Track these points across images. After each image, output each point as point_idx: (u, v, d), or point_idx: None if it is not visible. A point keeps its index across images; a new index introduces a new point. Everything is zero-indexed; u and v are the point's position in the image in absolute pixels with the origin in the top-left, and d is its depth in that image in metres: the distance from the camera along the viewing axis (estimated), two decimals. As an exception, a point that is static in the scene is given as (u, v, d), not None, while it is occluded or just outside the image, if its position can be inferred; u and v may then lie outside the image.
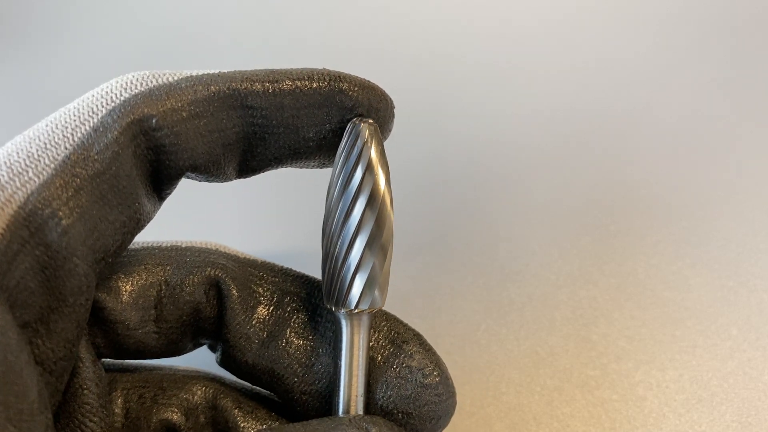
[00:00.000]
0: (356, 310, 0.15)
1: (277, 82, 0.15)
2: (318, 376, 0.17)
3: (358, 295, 0.15)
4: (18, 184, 0.13)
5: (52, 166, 0.13)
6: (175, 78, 0.15)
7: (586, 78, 0.36)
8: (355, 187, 0.15)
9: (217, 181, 0.16)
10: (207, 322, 0.17)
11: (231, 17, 0.41)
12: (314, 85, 0.15)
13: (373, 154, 0.15)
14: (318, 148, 0.16)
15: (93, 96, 0.14)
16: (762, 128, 0.32)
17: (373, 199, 0.15)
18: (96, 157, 0.14)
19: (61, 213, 0.13)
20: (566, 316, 0.25)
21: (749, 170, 0.30)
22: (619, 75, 0.36)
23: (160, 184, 0.15)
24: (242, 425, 0.17)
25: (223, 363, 0.17)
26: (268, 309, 0.17)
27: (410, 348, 0.16)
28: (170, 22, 0.41)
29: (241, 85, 0.15)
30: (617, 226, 0.29)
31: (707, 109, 0.34)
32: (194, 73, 0.15)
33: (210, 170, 0.15)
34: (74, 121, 0.14)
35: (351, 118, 0.16)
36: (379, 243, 0.15)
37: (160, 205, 0.16)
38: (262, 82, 0.15)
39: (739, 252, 0.27)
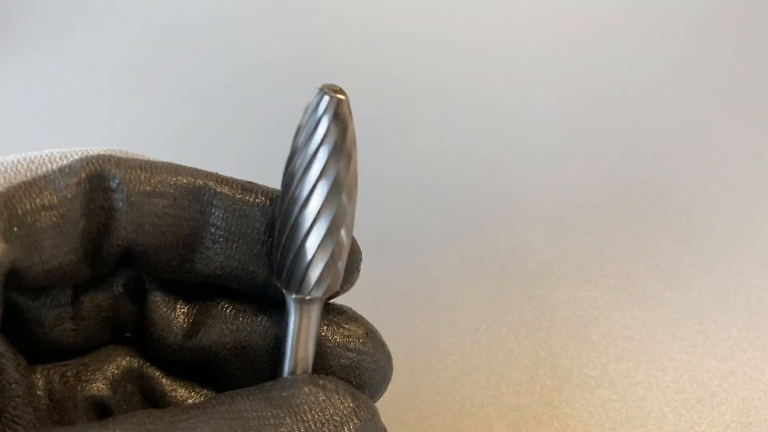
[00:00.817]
0: (310, 297, 0.15)
1: (249, 192, 0.15)
2: (250, 356, 0.16)
3: (316, 281, 0.14)
4: None
5: (5, 186, 0.13)
6: (155, 159, 0.15)
7: (587, 79, 0.36)
8: (319, 170, 0.13)
9: (154, 274, 0.16)
10: (128, 316, 0.16)
11: (229, 17, 0.41)
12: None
13: (347, 132, 0.13)
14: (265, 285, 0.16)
15: (71, 149, 0.14)
16: (763, 129, 0.32)
17: (338, 184, 0.13)
18: (51, 191, 0.13)
19: None
20: (566, 317, 0.25)
21: (750, 171, 0.30)
22: (619, 77, 0.36)
23: (97, 259, 0.15)
24: (171, 393, 0.17)
25: (147, 352, 0.17)
26: (191, 298, 0.16)
27: (346, 317, 0.16)
28: (170, 22, 0.41)
29: (213, 184, 0.15)
30: (617, 226, 0.29)
31: (708, 109, 0.34)
32: (174, 164, 0.15)
33: (149, 256, 0.15)
34: (44, 159, 0.14)
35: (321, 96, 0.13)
36: (341, 227, 0.14)
37: (90, 274, 0.15)
38: (236, 187, 0.15)
39: (739, 252, 0.27)
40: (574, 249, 0.28)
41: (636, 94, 0.35)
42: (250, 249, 0.15)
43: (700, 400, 0.23)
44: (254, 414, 0.14)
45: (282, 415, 0.14)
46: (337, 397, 0.15)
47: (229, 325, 0.16)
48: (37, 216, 0.13)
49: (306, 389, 0.15)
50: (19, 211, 0.13)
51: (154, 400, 0.17)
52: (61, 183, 0.14)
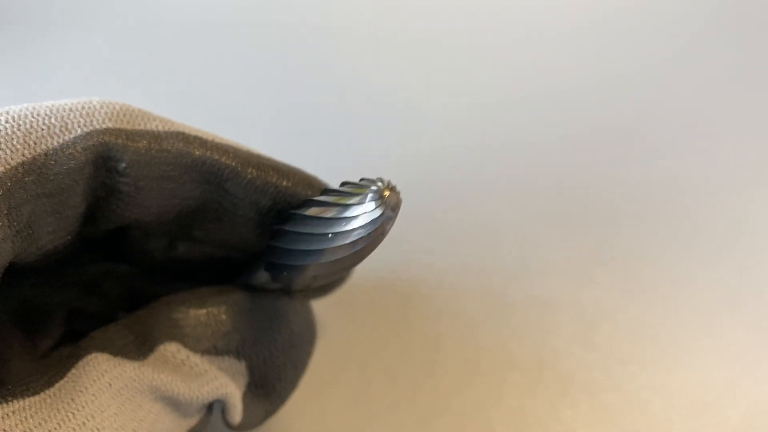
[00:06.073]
0: (291, 289, 0.15)
1: (265, 171, 0.14)
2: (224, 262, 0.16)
3: (301, 287, 0.15)
4: None
5: (1, 170, 0.12)
6: (166, 129, 0.13)
7: (588, 77, 0.36)
8: (353, 237, 0.13)
9: (154, 244, 0.15)
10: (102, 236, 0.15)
11: (227, 14, 0.41)
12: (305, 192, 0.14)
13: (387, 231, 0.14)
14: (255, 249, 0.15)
15: (71, 110, 0.13)
16: (766, 127, 0.32)
17: (355, 261, 0.14)
18: (52, 177, 0.12)
19: None
20: (570, 318, 0.25)
21: (755, 170, 0.30)
22: (620, 74, 0.36)
23: (93, 232, 0.14)
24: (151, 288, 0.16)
25: (116, 257, 0.16)
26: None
27: None
28: (169, 19, 0.41)
29: (227, 160, 0.14)
30: (622, 227, 0.28)
31: (710, 108, 0.33)
32: (187, 131, 0.14)
33: (146, 225, 0.14)
34: (41, 129, 0.12)
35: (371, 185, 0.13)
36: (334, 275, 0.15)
37: (83, 245, 0.14)
38: (253, 168, 0.14)
39: (746, 253, 0.27)
40: (577, 250, 0.27)
41: (638, 92, 0.35)
42: (253, 229, 0.15)
43: (705, 404, 0.23)
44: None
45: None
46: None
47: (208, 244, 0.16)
48: (37, 203, 0.12)
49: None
50: (18, 200, 0.12)
51: (133, 293, 0.16)
52: (63, 167, 0.12)
